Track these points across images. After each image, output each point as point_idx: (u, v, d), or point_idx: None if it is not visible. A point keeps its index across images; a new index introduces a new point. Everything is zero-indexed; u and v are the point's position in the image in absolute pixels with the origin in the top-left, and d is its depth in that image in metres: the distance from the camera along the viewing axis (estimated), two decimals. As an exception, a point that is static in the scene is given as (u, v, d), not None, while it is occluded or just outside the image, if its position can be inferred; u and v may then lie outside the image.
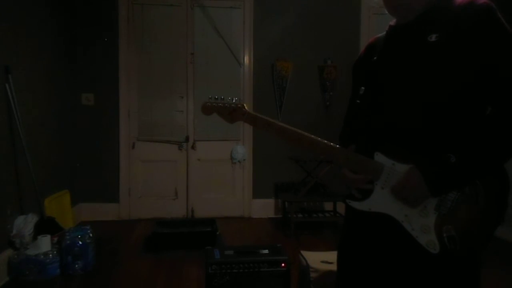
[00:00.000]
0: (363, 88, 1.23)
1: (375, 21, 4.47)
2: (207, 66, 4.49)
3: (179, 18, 4.44)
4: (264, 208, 4.59)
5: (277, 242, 3.13)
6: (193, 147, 4.51)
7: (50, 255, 2.83)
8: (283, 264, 2.29)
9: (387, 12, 1.19)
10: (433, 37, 1.06)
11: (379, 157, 1.11)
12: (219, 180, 4.58)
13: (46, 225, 3.10)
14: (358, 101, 1.24)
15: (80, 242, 2.92)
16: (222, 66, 4.51)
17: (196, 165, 4.54)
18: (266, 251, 2.37)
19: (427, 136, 1.06)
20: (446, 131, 1.05)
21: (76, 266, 2.89)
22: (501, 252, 3.62)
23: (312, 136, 1.21)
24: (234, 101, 1.29)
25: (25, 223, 2.97)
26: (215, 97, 1.29)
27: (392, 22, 1.23)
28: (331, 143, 1.19)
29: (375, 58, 1.22)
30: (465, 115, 1.05)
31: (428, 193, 1.04)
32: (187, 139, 4.50)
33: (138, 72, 4.41)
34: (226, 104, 1.29)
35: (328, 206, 4.45)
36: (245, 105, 1.29)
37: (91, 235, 3.02)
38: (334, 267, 2.09)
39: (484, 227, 1.05)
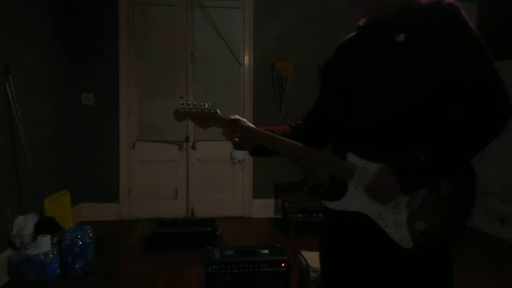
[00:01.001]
0: (335, 89, 1.26)
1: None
2: (207, 66, 4.49)
3: (179, 18, 4.44)
4: (264, 208, 4.59)
5: (277, 242, 3.13)
6: (193, 147, 4.52)
7: (50, 255, 2.83)
8: (283, 264, 2.29)
9: (353, 12, 1.20)
10: (401, 37, 1.08)
11: (352, 158, 1.14)
12: (219, 180, 4.59)
13: (46, 225, 3.10)
14: (330, 101, 1.28)
15: (80, 242, 2.92)
16: (222, 66, 4.51)
17: (196, 165, 4.54)
18: (266, 251, 2.38)
19: (397, 135, 1.09)
20: (415, 130, 1.08)
21: (76, 266, 2.89)
22: (501, 252, 3.62)
23: (287, 139, 1.23)
24: (207, 106, 1.30)
25: (25, 223, 2.97)
26: (187, 103, 1.31)
27: (361, 22, 1.25)
28: (305, 146, 1.21)
29: (345, 58, 1.25)
30: (433, 114, 1.08)
31: (400, 190, 1.07)
32: (187, 139, 4.50)
33: (138, 72, 4.41)
34: (199, 110, 1.30)
35: (328, 206, 4.44)
36: (218, 110, 1.30)
37: (91, 235, 3.02)
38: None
39: (454, 222, 1.08)
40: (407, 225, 1.08)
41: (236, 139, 1.26)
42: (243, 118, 1.29)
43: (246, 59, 4.54)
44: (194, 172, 4.54)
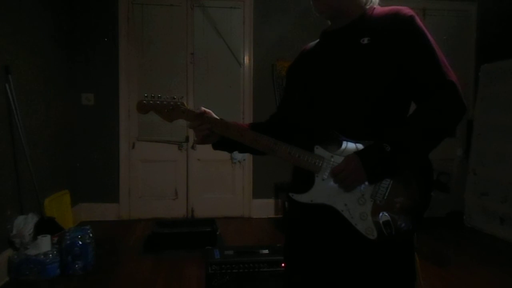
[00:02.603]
0: (300, 89, 1.30)
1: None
2: (207, 66, 4.49)
3: (179, 18, 4.44)
4: (264, 208, 4.59)
5: (277, 242, 3.13)
6: (193, 147, 4.52)
7: (50, 255, 2.83)
8: (283, 264, 2.29)
9: (315, 12, 1.26)
10: (365, 40, 1.16)
11: (319, 151, 1.17)
12: (219, 180, 4.59)
13: (46, 225, 3.10)
14: (296, 101, 1.31)
15: (80, 242, 2.92)
16: (222, 66, 4.52)
17: (196, 165, 4.55)
18: (266, 251, 2.38)
19: (361, 129, 1.16)
20: (378, 125, 1.15)
21: (76, 266, 2.89)
22: (501, 252, 3.62)
23: (255, 132, 1.24)
24: (173, 98, 1.28)
25: (25, 223, 2.97)
26: (151, 95, 1.29)
27: (325, 28, 1.32)
28: (273, 139, 1.22)
29: (308, 62, 1.31)
30: (393, 111, 1.17)
31: (365, 177, 1.12)
32: (187, 139, 4.50)
33: (138, 72, 4.42)
34: (164, 102, 1.28)
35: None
36: (185, 102, 1.29)
37: (91, 235, 3.02)
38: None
39: (414, 211, 1.13)
40: (371, 216, 1.13)
41: (204, 132, 1.26)
42: (208, 110, 1.29)
43: (246, 59, 4.54)
44: (194, 172, 4.55)
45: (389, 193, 1.13)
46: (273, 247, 2.46)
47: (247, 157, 4.56)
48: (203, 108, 1.28)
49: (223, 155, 4.52)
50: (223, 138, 1.29)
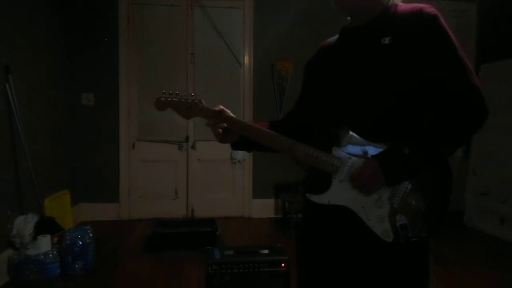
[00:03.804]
0: (319, 88, 1.28)
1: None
2: (207, 66, 4.49)
3: (179, 18, 4.44)
4: (264, 208, 4.59)
5: (277, 242, 3.13)
6: (193, 147, 4.52)
7: (50, 255, 2.83)
8: (283, 264, 2.29)
9: (335, 8, 1.24)
10: (386, 40, 1.13)
11: (337, 152, 1.16)
12: (219, 180, 4.59)
13: (46, 225, 3.10)
14: (314, 100, 1.29)
15: (80, 242, 2.92)
16: (222, 66, 4.52)
17: (196, 165, 4.54)
18: (266, 251, 2.38)
19: (380, 132, 1.14)
20: (397, 128, 1.14)
21: (76, 266, 2.89)
22: (501, 252, 3.62)
23: (273, 132, 1.24)
24: (190, 96, 1.28)
25: (25, 223, 2.97)
26: (169, 92, 1.28)
27: (344, 25, 1.29)
28: (291, 139, 1.21)
29: (328, 59, 1.29)
30: (413, 111, 1.15)
31: (384, 181, 1.11)
32: (187, 139, 4.50)
33: (138, 72, 4.42)
34: (182, 99, 1.28)
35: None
36: (202, 100, 1.28)
37: (91, 235, 3.02)
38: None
39: (432, 215, 1.13)
40: (388, 219, 1.12)
41: (220, 131, 1.26)
42: (228, 110, 1.29)
43: (246, 59, 4.54)
44: (194, 172, 4.54)
45: (407, 196, 1.12)
46: (273, 247, 2.45)
47: (247, 157, 4.56)
48: (221, 107, 1.27)
49: (223, 155, 4.54)
50: (242, 138, 1.28)
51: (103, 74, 4.33)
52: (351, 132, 1.15)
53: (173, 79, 4.46)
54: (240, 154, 4.51)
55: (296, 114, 1.42)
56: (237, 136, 1.29)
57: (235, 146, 1.34)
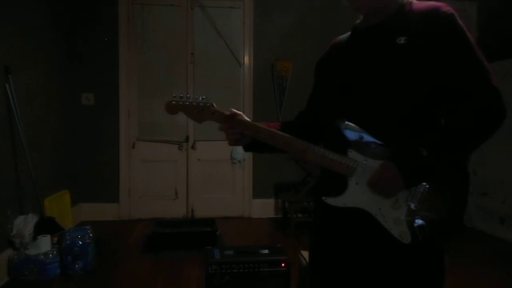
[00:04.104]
0: (329, 88, 1.26)
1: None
2: (207, 66, 4.49)
3: (179, 18, 4.44)
4: (264, 208, 4.59)
5: (277, 242, 3.13)
6: (193, 147, 4.52)
7: (50, 255, 2.83)
8: (283, 264, 2.29)
9: (352, 7, 1.22)
10: (401, 40, 1.11)
11: (353, 154, 1.15)
12: (219, 180, 4.59)
13: (46, 225, 3.10)
14: (327, 100, 1.27)
15: (80, 242, 2.92)
16: (222, 66, 4.52)
17: (196, 165, 4.54)
18: (266, 251, 2.38)
19: (395, 131, 1.13)
20: (412, 127, 1.12)
21: (76, 266, 2.89)
22: (501, 252, 3.62)
23: (287, 135, 1.22)
24: (202, 99, 1.26)
25: (25, 223, 2.97)
26: (180, 95, 1.26)
27: (357, 23, 1.26)
28: (305, 142, 1.20)
29: (340, 58, 1.26)
30: (428, 115, 1.13)
31: (403, 184, 1.09)
32: (187, 139, 4.50)
33: (138, 72, 4.41)
34: (194, 103, 1.26)
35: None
36: (214, 104, 1.26)
37: (91, 235, 3.02)
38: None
39: (450, 217, 1.12)
40: (405, 220, 1.11)
41: (235, 135, 1.25)
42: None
43: (246, 59, 4.54)
44: (194, 172, 4.54)
45: (424, 197, 1.11)
46: (273, 247, 2.45)
47: (247, 157, 4.56)
48: (233, 110, 1.26)
49: (223, 155, 4.54)
50: (254, 140, 1.27)
51: (103, 74, 4.33)
52: (366, 133, 1.13)
53: (173, 79, 4.46)
54: (240, 154, 4.52)
55: (307, 114, 1.40)
56: (249, 139, 1.27)
57: (248, 148, 1.32)
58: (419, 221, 1.10)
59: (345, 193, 1.16)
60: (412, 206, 1.11)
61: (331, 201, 1.17)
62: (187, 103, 1.26)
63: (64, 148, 4.06)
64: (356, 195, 1.15)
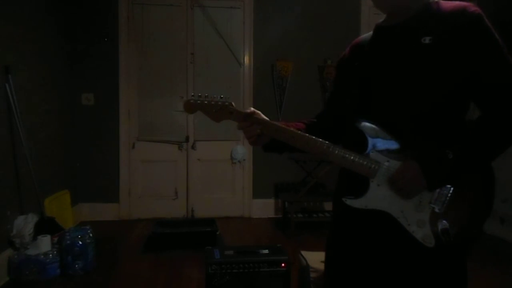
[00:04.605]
0: (352, 87, 1.23)
1: (375, 21, 4.44)
2: (207, 66, 4.49)
3: (179, 18, 4.44)
4: (264, 208, 4.59)
5: (277, 242, 3.13)
6: (193, 147, 4.51)
7: (50, 255, 2.83)
8: (283, 264, 2.29)
9: (376, 8, 1.20)
10: (426, 40, 1.08)
11: (374, 154, 1.13)
12: (219, 180, 4.59)
13: (46, 225, 3.10)
14: (347, 100, 1.25)
15: (80, 242, 2.92)
16: (222, 66, 4.51)
17: (196, 165, 4.54)
18: (266, 251, 2.38)
19: (419, 132, 1.10)
20: (437, 130, 1.10)
21: (76, 266, 2.89)
22: (501, 252, 3.62)
23: (307, 135, 1.20)
24: (220, 98, 1.25)
25: (25, 223, 2.97)
26: (198, 94, 1.25)
27: (379, 22, 1.24)
28: (326, 142, 1.18)
29: (362, 58, 1.23)
30: (452, 116, 1.11)
31: (425, 185, 1.06)
32: (187, 139, 4.50)
33: (138, 72, 4.41)
34: (212, 102, 1.24)
35: (328, 206, 4.45)
36: (233, 103, 1.25)
37: (91, 235, 3.02)
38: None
39: (474, 220, 1.09)
40: (429, 223, 1.08)
41: (253, 134, 1.23)
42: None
43: (246, 59, 4.54)
44: (194, 172, 4.54)
45: (449, 200, 1.08)
46: (273, 247, 2.45)
47: (247, 157, 4.56)
48: (252, 109, 1.25)
49: (223, 155, 4.54)
50: (273, 140, 1.25)
51: (103, 74, 4.33)
52: (389, 134, 1.11)
53: (173, 79, 4.46)
54: (240, 154, 4.52)
55: (327, 114, 1.38)
56: (268, 138, 1.25)
57: (267, 149, 1.31)
58: (443, 225, 1.07)
59: (366, 195, 1.13)
60: (436, 209, 1.08)
61: (351, 202, 1.14)
62: (206, 102, 1.24)
63: (64, 148, 4.06)
64: (377, 197, 1.12)
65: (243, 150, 4.52)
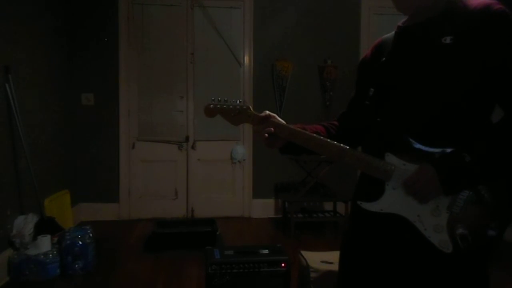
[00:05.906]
0: (372, 89, 1.23)
1: (375, 21, 4.47)
2: (207, 66, 4.49)
3: (179, 18, 4.44)
4: (264, 208, 4.59)
5: (277, 242, 3.13)
6: (193, 147, 4.51)
7: (50, 255, 2.83)
8: (283, 264, 2.29)
9: (398, 11, 1.18)
10: (447, 39, 1.06)
11: (390, 158, 1.11)
12: (219, 180, 4.58)
13: (46, 225, 3.10)
14: (366, 102, 1.24)
15: (80, 242, 2.92)
16: (222, 66, 4.51)
17: (196, 165, 4.54)
18: (266, 251, 2.38)
19: (438, 135, 1.08)
20: (457, 133, 1.07)
21: (76, 266, 2.89)
22: (501, 252, 3.62)
23: (322, 137, 1.21)
24: (238, 102, 1.29)
25: (25, 223, 2.97)
26: (218, 99, 1.29)
27: (401, 22, 1.23)
28: (341, 146, 1.17)
29: (384, 58, 1.22)
30: (473, 117, 1.08)
31: (441, 189, 1.04)
32: (187, 139, 4.50)
33: (138, 72, 4.41)
34: (231, 106, 1.28)
35: (328, 206, 4.45)
36: (250, 107, 1.29)
37: (91, 235, 3.02)
38: (334, 267, 2.09)
39: (494, 225, 1.06)
40: (447, 229, 1.06)
41: (266, 135, 1.24)
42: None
43: (246, 59, 4.54)
44: (194, 172, 4.54)
45: (467, 205, 1.05)
46: (273, 247, 2.45)
47: (247, 157, 4.56)
48: (268, 112, 1.27)
49: (223, 155, 4.54)
50: (289, 142, 1.25)
51: (103, 74, 4.33)
52: (406, 136, 1.09)
53: (173, 79, 4.46)
54: (240, 154, 4.52)
55: (348, 116, 1.37)
56: (284, 141, 1.26)
57: (283, 151, 1.31)
58: (461, 230, 1.04)
59: (381, 198, 1.12)
60: (454, 214, 1.06)
61: (366, 206, 1.14)
62: (225, 106, 1.29)
63: (64, 148, 4.06)
64: (393, 201, 1.10)
65: (243, 150, 4.52)
